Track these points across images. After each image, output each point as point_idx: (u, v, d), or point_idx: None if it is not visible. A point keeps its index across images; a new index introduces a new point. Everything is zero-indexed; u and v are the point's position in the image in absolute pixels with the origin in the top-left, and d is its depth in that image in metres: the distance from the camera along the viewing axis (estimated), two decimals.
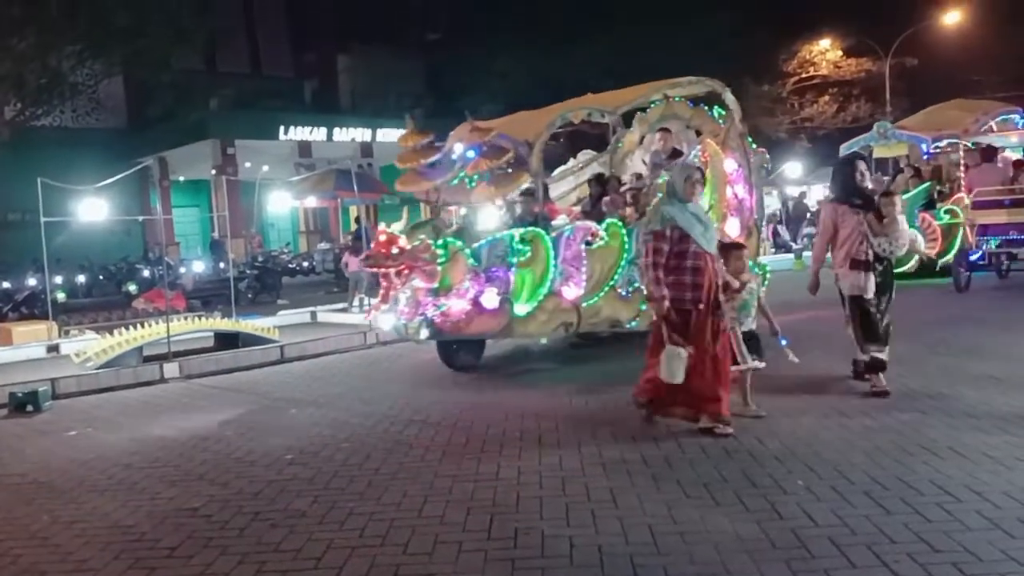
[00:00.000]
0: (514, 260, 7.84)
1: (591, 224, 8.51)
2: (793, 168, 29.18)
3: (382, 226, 8.03)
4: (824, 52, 32.48)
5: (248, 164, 26.43)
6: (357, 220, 22.60)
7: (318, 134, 27.62)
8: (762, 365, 6.25)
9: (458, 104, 27.68)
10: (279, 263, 21.35)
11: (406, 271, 7.55)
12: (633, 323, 8.77)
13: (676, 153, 9.69)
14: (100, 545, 4.33)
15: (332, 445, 6.04)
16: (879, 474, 4.65)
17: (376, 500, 4.77)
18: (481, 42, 28.24)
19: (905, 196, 12.91)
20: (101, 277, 21.17)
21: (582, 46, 26.88)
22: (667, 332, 5.68)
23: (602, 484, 4.77)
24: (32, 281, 16.93)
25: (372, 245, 7.95)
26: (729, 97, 9.81)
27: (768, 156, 10.82)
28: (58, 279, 17.88)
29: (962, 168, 14.71)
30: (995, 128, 15.19)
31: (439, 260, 7.59)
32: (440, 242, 7.72)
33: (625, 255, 8.56)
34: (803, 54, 32.45)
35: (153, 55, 20.47)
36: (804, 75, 32.63)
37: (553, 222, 8.70)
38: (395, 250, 7.52)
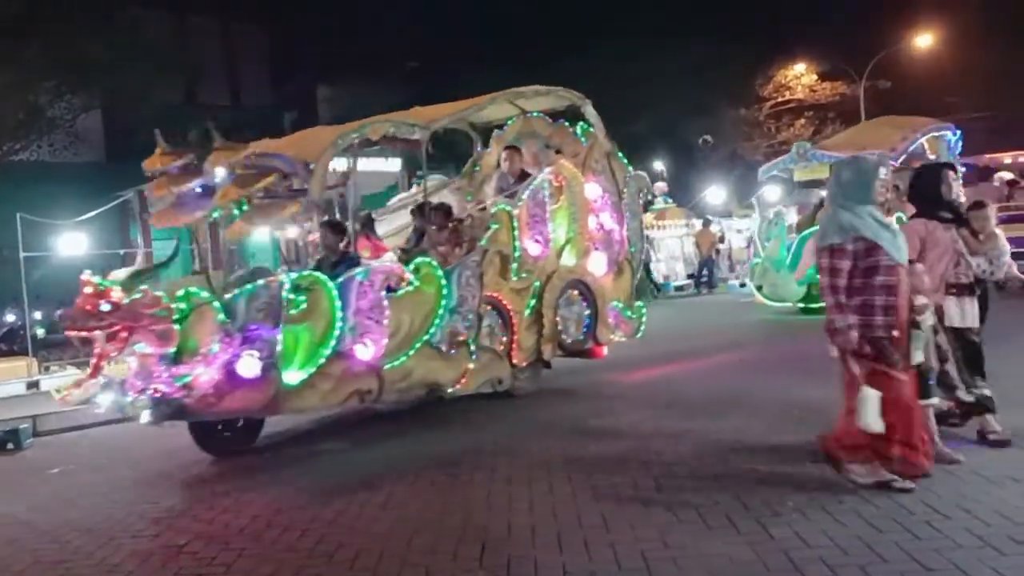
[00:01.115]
0: (285, 314, 6.25)
1: (393, 265, 7.18)
2: (772, 191, 29.38)
3: (86, 274, 6.07)
4: (799, 76, 32.96)
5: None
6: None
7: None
8: (945, 405, 5.46)
9: (440, 133, 27.89)
10: None
11: (124, 333, 5.91)
12: (457, 387, 7.49)
13: (524, 175, 8.67)
14: None
15: (322, 477, 5.98)
16: (869, 494, 4.64)
17: (365, 532, 4.72)
18: (461, 71, 28.41)
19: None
20: None
21: (560, 75, 27.07)
22: (858, 369, 4.68)
23: (594, 510, 4.75)
24: (11, 317, 16.74)
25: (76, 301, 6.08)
26: (590, 111, 8.86)
27: (647, 179, 10.05)
28: (38, 315, 17.68)
29: (892, 189, 14.45)
30: (927, 146, 14.61)
31: (175, 317, 6.03)
32: (180, 293, 6.15)
33: (444, 302, 7.28)
34: (779, 78, 32.90)
35: (132, 89, 20.44)
36: (780, 99, 33.06)
37: (373, 263, 7.11)
38: (105, 306, 5.83)
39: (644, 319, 9.25)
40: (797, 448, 5.69)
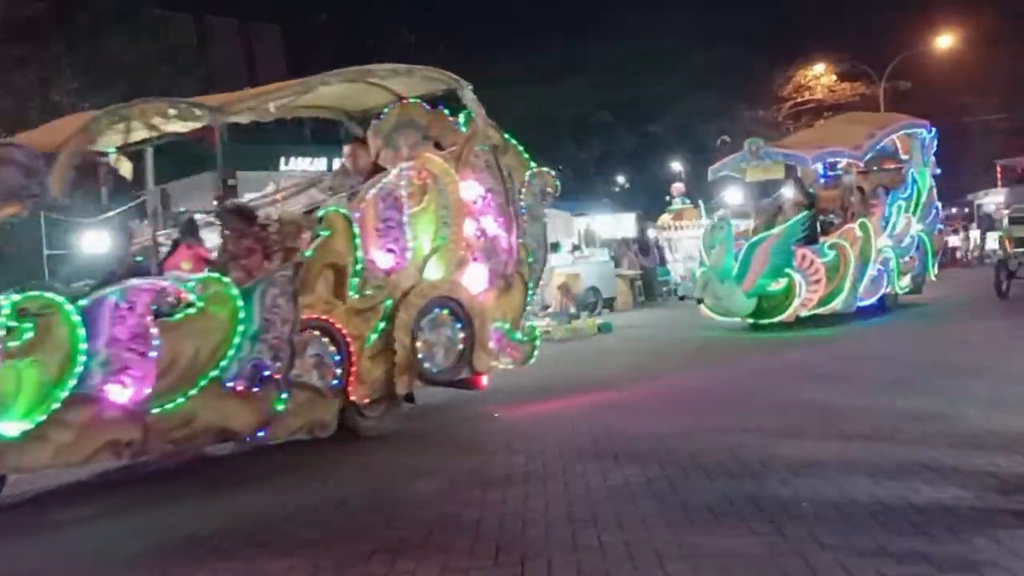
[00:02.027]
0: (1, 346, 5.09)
1: (162, 282, 5.93)
2: (790, 191, 29.27)
3: None
4: (819, 77, 32.84)
5: (249, 195, 26.58)
6: None
7: (318, 165, 27.76)
8: None
9: None
10: None
11: None
12: (261, 432, 6.16)
13: (377, 170, 7.33)
14: None
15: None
16: (884, 495, 4.64)
17: (386, 524, 4.76)
18: (478, 74, 28.51)
19: (774, 229, 12.02)
20: None
21: (578, 78, 27.16)
22: None
23: (608, 509, 4.77)
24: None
25: None
26: (469, 97, 7.60)
27: (553, 176, 8.54)
28: None
29: (855, 192, 13.00)
30: (899, 145, 13.87)
31: None
32: None
33: (241, 328, 5.85)
34: (798, 79, 32.78)
35: (153, 89, 20.64)
36: (799, 99, 32.92)
37: (136, 281, 5.89)
38: None
39: (538, 342, 8.08)
40: (813, 449, 5.70)
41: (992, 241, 28.30)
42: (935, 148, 14.20)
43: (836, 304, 12.10)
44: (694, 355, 10.90)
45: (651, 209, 23.46)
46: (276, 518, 5.04)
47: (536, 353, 8.07)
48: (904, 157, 13.84)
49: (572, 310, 14.44)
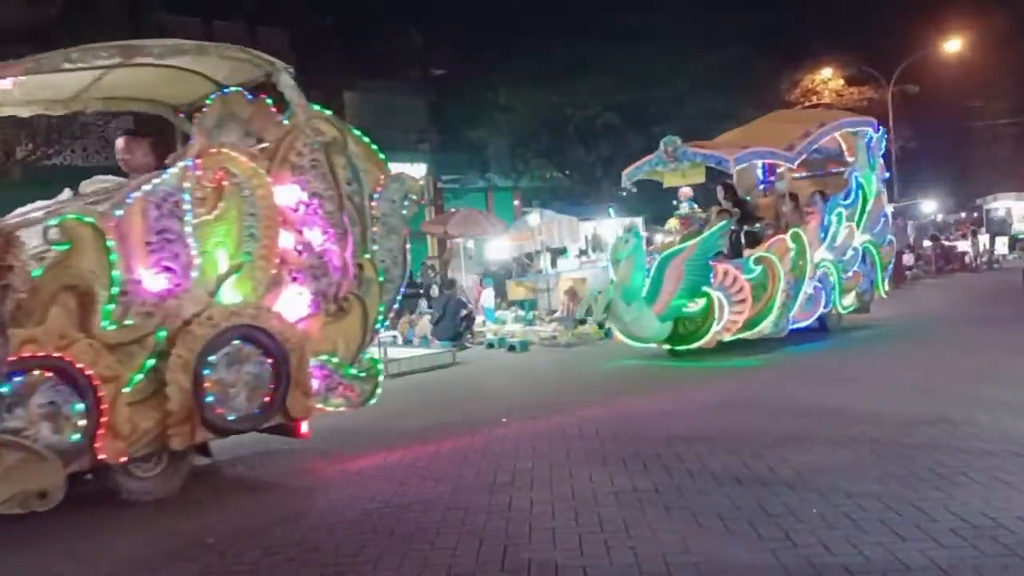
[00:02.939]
0: None
1: None
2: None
3: None
4: (826, 81, 32.78)
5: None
6: None
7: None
8: None
9: (463, 138, 27.93)
10: None
11: None
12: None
13: (159, 166, 6.10)
14: None
15: (343, 477, 6.03)
16: (892, 501, 4.62)
17: (389, 533, 4.76)
18: (485, 77, 28.55)
19: (689, 241, 10.44)
20: None
21: (586, 79, 27.14)
22: None
23: (615, 514, 4.76)
24: None
25: None
26: (285, 82, 6.51)
27: (415, 181, 7.46)
28: None
29: (787, 199, 11.36)
30: (844, 146, 12.32)
31: None
32: None
33: None
34: (805, 83, 32.74)
35: None
36: (807, 104, 32.86)
37: None
38: None
39: (380, 377, 6.77)
40: (819, 454, 5.68)
41: (1001, 246, 28.24)
42: (883, 149, 12.62)
43: (764, 327, 10.53)
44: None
45: (659, 213, 23.46)
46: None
47: (378, 391, 6.71)
48: (850, 159, 12.20)
49: (579, 315, 14.19)
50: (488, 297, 16.68)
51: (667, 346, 10.61)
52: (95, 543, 4.99)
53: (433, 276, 17.91)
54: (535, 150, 28.41)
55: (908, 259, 21.98)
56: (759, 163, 11.81)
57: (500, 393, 8.01)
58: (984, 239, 27.49)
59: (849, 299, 11.93)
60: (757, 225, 11.44)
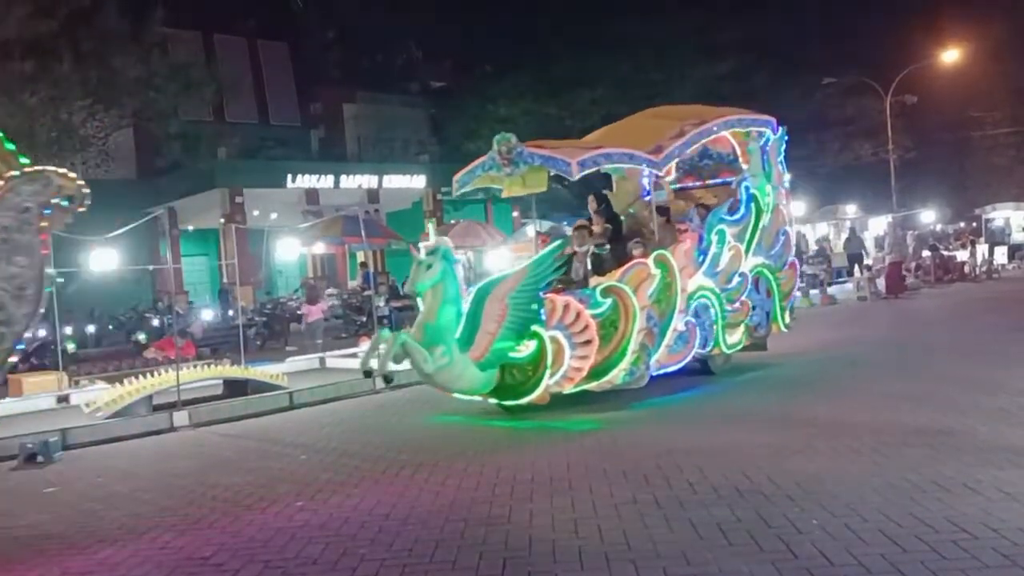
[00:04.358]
0: None
1: None
2: (797, 207, 29.37)
3: None
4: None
5: (256, 212, 26.69)
6: (364, 265, 22.80)
7: (325, 181, 27.92)
8: None
9: (463, 150, 28.02)
10: (287, 310, 21.46)
11: None
12: None
13: None
14: None
15: (342, 492, 6.02)
16: (893, 511, 4.61)
17: (388, 546, 4.74)
18: (484, 89, 28.69)
19: (512, 268, 8.45)
20: (111, 327, 21.28)
21: (583, 91, 27.25)
22: None
23: (615, 526, 4.75)
24: (42, 332, 17.00)
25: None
26: None
27: (73, 181, 5.95)
28: (68, 330, 17.96)
29: (654, 214, 9.78)
30: (736, 146, 10.30)
31: None
32: None
33: None
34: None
35: (162, 107, 20.82)
36: None
37: None
38: None
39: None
40: (820, 464, 5.67)
41: (1000, 255, 28.27)
42: (783, 153, 10.60)
43: (615, 376, 8.42)
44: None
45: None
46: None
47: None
48: (744, 166, 10.26)
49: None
50: None
51: (494, 400, 8.47)
52: (92, 560, 4.97)
53: None
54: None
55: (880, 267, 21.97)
56: (645, 170, 9.53)
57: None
58: (983, 249, 27.53)
59: (736, 335, 9.82)
60: (606, 246, 9.48)
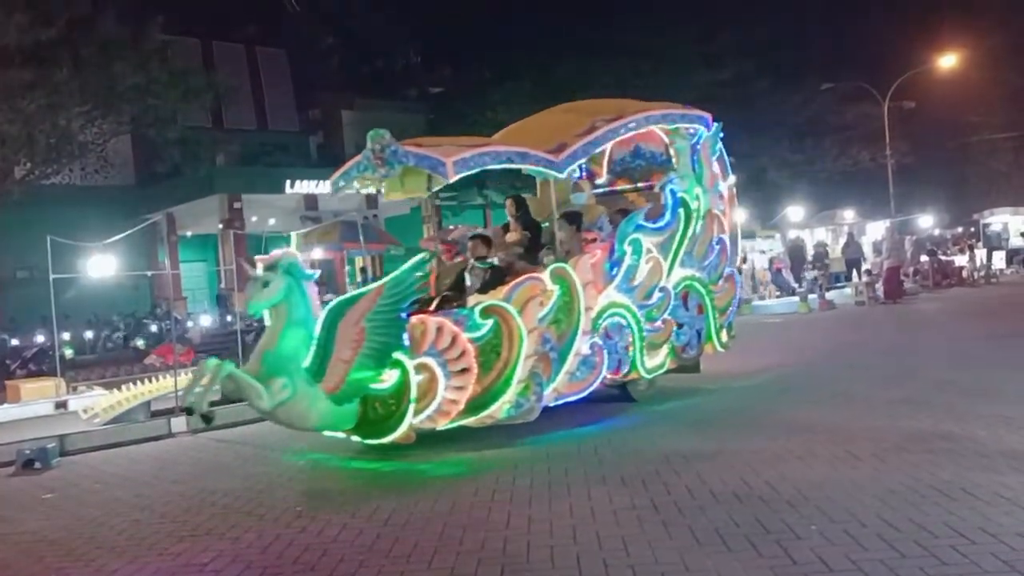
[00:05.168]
0: None
1: None
2: (795, 212, 29.44)
3: None
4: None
5: (255, 218, 26.71)
6: (363, 270, 22.83)
7: (324, 187, 27.93)
8: None
9: None
10: None
11: None
12: None
13: None
14: None
15: (340, 497, 6.01)
16: (892, 517, 4.61)
17: (386, 553, 4.73)
18: (483, 95, 28.71)
19: (372, 284, 7.25)
20: (109, 333, 21.28)
21: (583, 97, 27.31)
22: None
23: (613, 532, 4.74)
24: (40, 338, 17.01)
25: None
26: None
27: None
28: (66, 335, 17.97)
29: (563, 223, 8.34)
30: (669, 146, 9.11)
31: None
32: None
33: None
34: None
35: (161, 113, 20.83)
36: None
37: None
38: None
39: None
40: (819, 470, 5.67)
41: (999, 260, 28.32)
42: (718, 152, 9.45)
43: (498, 409, 7.25)
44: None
45: None
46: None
47: None
48: (673, 174, 9.01)
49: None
50: None
51: (356, 438, 7.38)
52: (91, 567, 4.97)
53: None
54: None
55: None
56: (576, 171, 8.99)
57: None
58: (981, 253, 27.56)
59: (658, 357, 8.65)
60: (492, 260, 8.05)
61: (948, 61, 30.99)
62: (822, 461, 5.93)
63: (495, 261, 8.06)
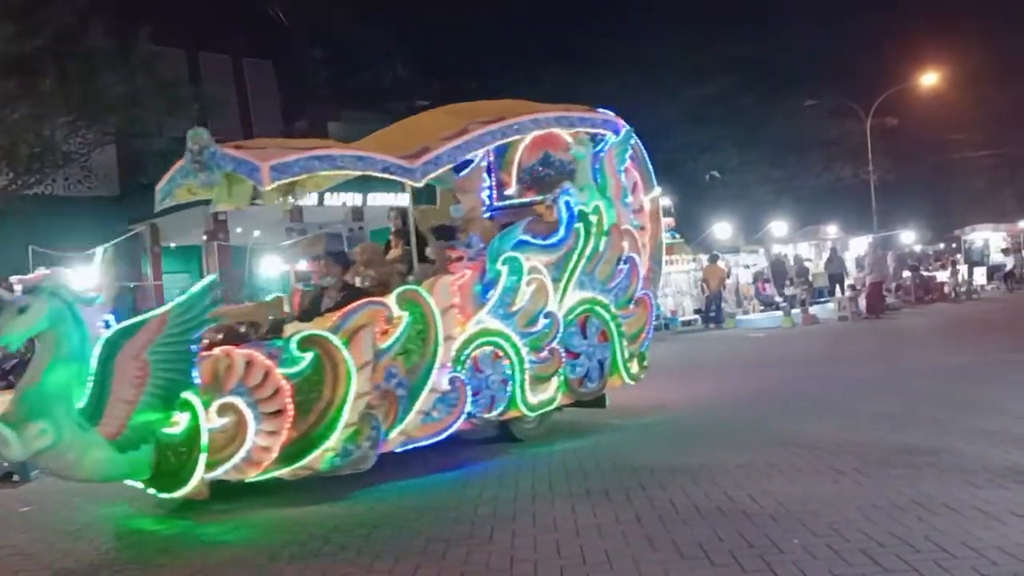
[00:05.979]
0: None
1: None
2: (779, 227, 29.65)
3: None
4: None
5: (239, 229, 26.58)
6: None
7: (309, 199, 27.74)
8: None
9: None
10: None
11: None
12: None
13: None
14: None
15: (322, 512, 5.97)
16: (874, 531, 4.63)
17: (368, 567, 4.71)
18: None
19: (155, 310, 6.12)
20: None
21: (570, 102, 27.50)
22: None
23: (597, 546, 4.73)
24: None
25: None
26: None
27: None
28: None
29: (432, 238, 7.63)
30: (568, 147, 8.13)
31: None
32: None
33: None
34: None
35: (146, 124, 20.79)
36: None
37: None
38: None
39: None
40: (802, 485, 5.69)
41: (980, 276, 28.56)
42: (626, 160, 8.45)
43: (317, 458, 6.11)
44: None
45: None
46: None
47: None
48: (568, 185, 7.90)
49: None
50: None
51: (151, 490, 6.09)
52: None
53: None
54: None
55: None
56: (487, 179, 8.39)
57: None
58: (963, 269, 27.79)
59: (545, 392, 7.55)
60: (328, 279, 7.19)
61: (930, 79, 31.35)
62: (805, 475, 5.94)
63: (359, 282, 7.12)
